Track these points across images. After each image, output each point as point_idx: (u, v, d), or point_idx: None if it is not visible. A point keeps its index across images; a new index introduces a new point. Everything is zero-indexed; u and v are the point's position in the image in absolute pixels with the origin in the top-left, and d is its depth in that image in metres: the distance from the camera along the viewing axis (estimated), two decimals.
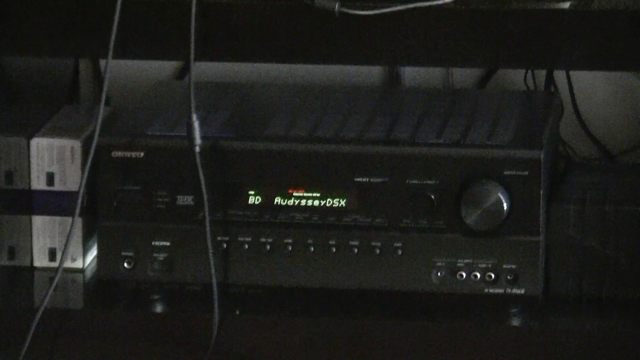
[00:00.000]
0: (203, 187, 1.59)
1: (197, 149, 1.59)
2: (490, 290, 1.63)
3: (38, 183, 1.75)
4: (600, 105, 2.09)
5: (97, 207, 1.70)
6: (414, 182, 1.62)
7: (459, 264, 1.64)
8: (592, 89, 2.03)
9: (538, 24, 1.61)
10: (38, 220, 1.76)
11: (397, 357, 1.66)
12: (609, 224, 1.71)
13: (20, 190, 1.74)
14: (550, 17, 1.61)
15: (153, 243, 1.67)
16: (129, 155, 1.67)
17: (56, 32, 1.63)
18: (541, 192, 1.63)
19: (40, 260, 1.77)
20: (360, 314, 1.65)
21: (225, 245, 1.66)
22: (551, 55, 1.61)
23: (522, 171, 1.62)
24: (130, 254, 1.67)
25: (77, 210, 1.64)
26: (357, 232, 1.65)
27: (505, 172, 1.62)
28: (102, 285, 1.71)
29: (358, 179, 1.63)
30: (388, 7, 1.55)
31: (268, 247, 1.65)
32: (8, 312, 1.66)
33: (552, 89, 2.05)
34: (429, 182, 1.62)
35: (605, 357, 1.64)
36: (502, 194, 1.61)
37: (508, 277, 1.64)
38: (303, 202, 1.65)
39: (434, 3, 1.56)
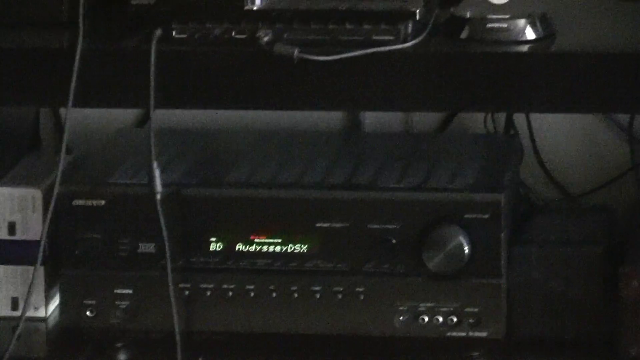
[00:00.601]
0: (165, 234, 1.59)
1: (159, 196, 1.58)
2: (453, 334, 1.62)
3: (4, 233, 1.72)
4: (561, 147, 2.09)
5: (59, 256, 1.69)
6: (375, 226, 1.62)
7: (421, 308, 1.63)
8: (552, 131, 2.04)
9: (497, 68, 1.61)
10: (2, 271, 1.76)
11: None
12: (571, 266, 1.71)
13: None
14: (509, 60, 1.61)
15: (115, 291, 1.65)
16: (90, 204, 1.66)
17: (16, 81, 1.62)
18: (502, 235, 1.64)
19: (3, 309, 1.74)
20: (323, 354, 1.66)
21: (187, 292, 1.65)
22: (510, 99, 1.63)
23: (483, 214, 1.63)
24: (92, 302, 1.65)
25: (39, 259, 1.64)
26: (319, 277, 1.64)
27: (467, 216, 1.62)
28: (65, 333, 1.69)
29: (319, 225, 1.63)
30: (347, 52, 1.55)
31: (230, 293, 1.64)
32: None
33: (512, 132, 2.04)
34: (390, 226, 1.62)
35: None
36: (463, 237, 1.62)
37: (470, 320, 1.64)
38: (265, 248, 1.65)
39: (393, 48, 1.57)
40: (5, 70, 1.61)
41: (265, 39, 1.53)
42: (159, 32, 1.57)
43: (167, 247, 1.60)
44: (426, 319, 1.61)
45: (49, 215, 1.63)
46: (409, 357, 1.65)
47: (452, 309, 1.62)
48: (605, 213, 1.85)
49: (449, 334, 1.62)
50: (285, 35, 1.56)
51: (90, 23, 1.58)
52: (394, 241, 1.61)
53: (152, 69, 1.53)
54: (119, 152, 1.84)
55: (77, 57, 1.54)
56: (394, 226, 1.61)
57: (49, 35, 1.68)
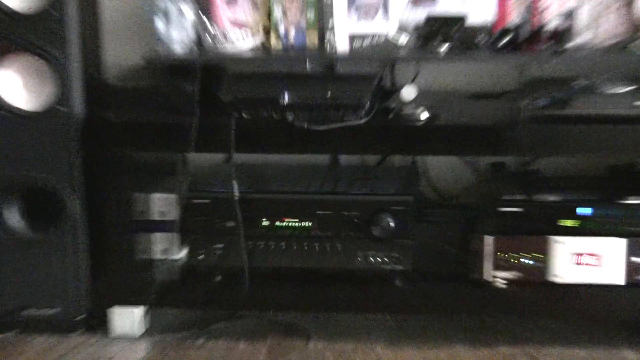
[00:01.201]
0: (239, 217, 1.65)
1: (236, 198, 1.65)
2: (385, 267, 1.70)
3: (158, 216, 1.77)
4: (441, 173, 2.10)
5: (185, 228, 1.74)
6: (346, 213, 1.70)
7: (369, 254, 1.71)
8: (436, 164, 2.08)
9: (407, 133, 1.66)
10: (158, 235, 1.78)
11: (338, 297, 1.67)
12: (447, 233, 1.82)
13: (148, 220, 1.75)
14: (413, 129, 1.66)
15: (214, 245, 1.72)
16: (201, 202, 1.72)
17: (163, 139, 1.65)
18: (408, 218, 1.71)
19: (159, 254, 1.77)
20: (320, 278, 1.71)
21: (250, 247, 1.71)
22: (414, 148, 1.71)
23: (402, 207, 1.70)
24: (202, 251, 1.71)
25: (176, 230, 1.73)
26: (318, 240, 1.71)
27: (393, 208, 1.70)
28: (189, 269, 1.73)
29: (318, 212, 1.71)
30: (331, 125, 1.61)
31: (272, 247, 1.71)
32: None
33: (415, 165, 2.05)
34: (355, 213, 1.70)
35: (443, 299, 1.66)
36: (391, 219, 1.70)
37: (394, 260, 1.70)
38: (290, 224, 1.71)
39: (354, 123, 1.61)
40: (158, 135, 1.65)
41: (290, 118, 1.62)
42: (236, 114, 1.64)
43: (240, 224, 1.65)
44: (372, 260, 1.71)
45: (181, 208, 1.71)
46: (363, 278, 1.71)
47: (384, 255, 1.71)
48: (463, 207, 1.91)
49: (382, 267, 1.71)
50: (299, 116, 1.64)
51: (202, 111, 1.60)
52: (356, 221, 1.70)
53: (232, 133, 1.60)
54: (214, 175, 1.83)
55: (195, 127, 1.58)
56: (356, 213, 1.70)
57: (180, 117, 1.64)
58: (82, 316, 1.69)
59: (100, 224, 1.68)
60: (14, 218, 1.68)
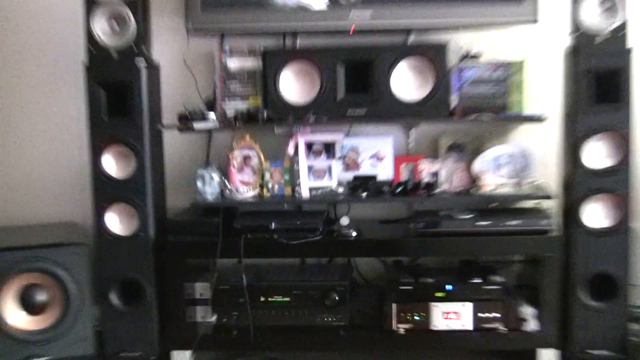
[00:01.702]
0: (246, 296, 2.06)
1: (245, 285, 2.06)
2: (333, 324, 2.08)
3: (199, 296, 2.19)
4: (365, 265, 2.40)
5: (215, 303, 2.13)
6: (310, 292, 2.09)
7: (324, 316, 2.09)
8: (363, 260, 2.42)
9: (345, 243, 2.07)
10: (199, 307, 2.18)
11: (306, 342, 2.08)
12: (369, 302, 2.17)
13: None
14: (349, 242, 2.06)
15: (232, 313, 2.12)
16: (224, 287, 2.11)
17: (201, 251, 2.09)
18: (346, 294, 2.09)
19: (200, 319, 2.17)
20: (295, 331, 2.08)
21: (253, 314, 2.08)
22: (349, 253, 2.15)
23: (342, 288, 2.08)
24: (225, 316, 2.10)
25: (210, 304, 2.15)
26: (294, 308, 2.09)
27: (337, 288, 2.07)
28: (217, 327, 2.15)
29: (294, 292, 2.08)
30: (301, 240, 1.99)
31: (267, 313, 2.12)
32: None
33: (349, 262, 2.33)
34: (315, 292, 2.07)
35: (368, 341, 2.06)
36: (336, 295, 2.09)
37: (338, 319, 2.09)
38: (277, 299, 2.12)
39: (314, 239, 2.00)
40: (198, 248, 2.07)
41: (276, 237, 2.05)
42: (244, 236, 2.07)
43: (247, 300, 2.07)
44: (325, 319, 2.11)
45: (212, 291, 2.11)
46: (320, 330, 2.10)
47: (332, 316, 2.11)
48: (378, 287, 2.25)
49: (331, 323, 2.09)
50: (281, 236, 2.05)
51: (224, 234, 2.04)
52: (316, 297, 2.09)
53: (242, 247, 2.04)
54: (232, 272, 2.18)
55: (220, 244, 2.04)
56: (316, 292, 2.11)
57: (211, 237, 2.10)
58: (154, 357, 2.27)
59: (165, 301, 2.23)
60: (114, 298, 2.31)
